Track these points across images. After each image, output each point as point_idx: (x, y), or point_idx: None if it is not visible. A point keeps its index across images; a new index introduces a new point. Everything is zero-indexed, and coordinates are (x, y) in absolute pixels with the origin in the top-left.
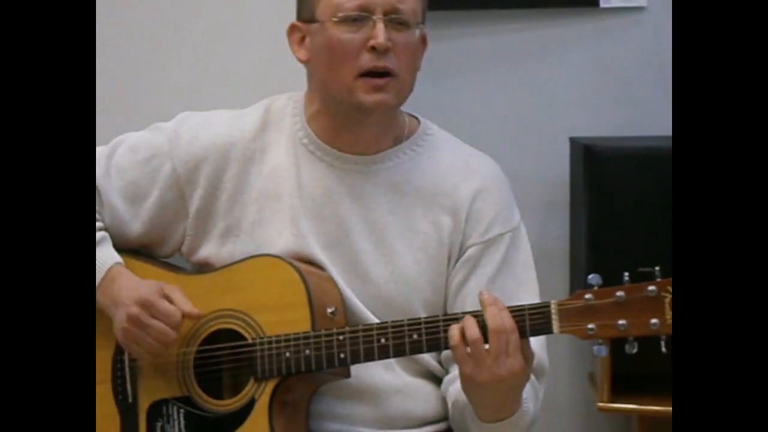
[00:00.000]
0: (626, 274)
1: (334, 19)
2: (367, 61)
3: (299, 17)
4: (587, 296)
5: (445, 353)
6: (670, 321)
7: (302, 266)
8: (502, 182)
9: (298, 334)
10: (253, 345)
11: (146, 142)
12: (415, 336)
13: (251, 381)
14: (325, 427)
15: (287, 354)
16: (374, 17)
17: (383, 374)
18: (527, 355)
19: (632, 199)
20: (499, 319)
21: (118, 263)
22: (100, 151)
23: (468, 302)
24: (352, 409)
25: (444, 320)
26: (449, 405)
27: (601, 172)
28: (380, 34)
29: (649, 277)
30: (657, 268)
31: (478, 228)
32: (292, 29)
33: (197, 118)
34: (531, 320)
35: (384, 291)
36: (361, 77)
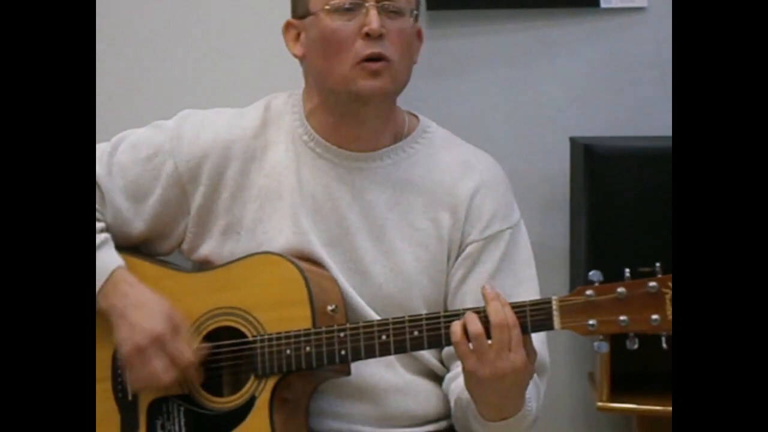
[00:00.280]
0: (627, 270)
1: (327, 8)
2: (362, 48)
3: (294, 15)
4: (588, 292)
5: (447, 351)
6: (671, 317)
7: (302, 264)
8: (501, 179)
9: (298, 331)
10: (254, 342)
11: (148, 140)
12: (416, 332)
13: (252, 378)
14: (326, 425)
15: (288, 351)
16: (367, 4)
17: (384, 373)
18: (529, 351)
19: (632, 199)
20: (501, 314)
21: (120, 267)
22: (102, 148)
23: (468, 299)
24: (352, 408)
25: (445, 316)
26: (452, 403)
27: (601, 171)
28: (374, 20)
29: (650, 275)
30: (657, 264)
31: (477, 225)
32: (288, 27)
33: (198, 116)
34: (532, 316)
35: (384, 288)
36: (357, 65)
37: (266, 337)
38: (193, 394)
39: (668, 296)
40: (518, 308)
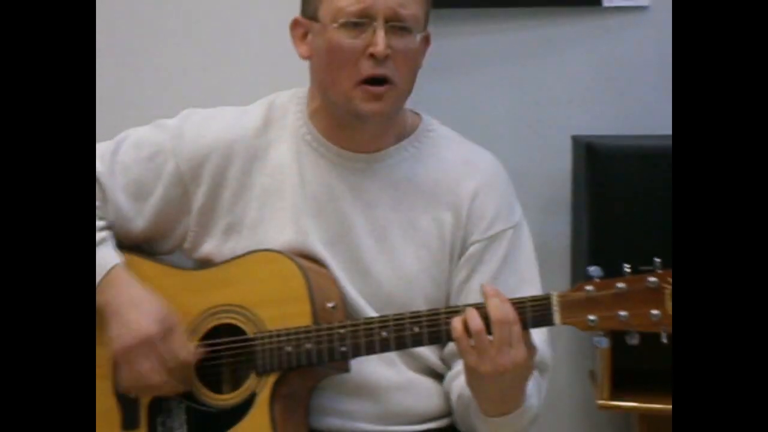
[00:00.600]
0: (627, 265)
1: (335, 25)
2: (366, 68)
3: (303, 12)
4: (588, 288)
5: (448, 349)
6: (671, 312)
7: (302, 261)
8: (503, 178)
9: (299, 328)
10: (254, 339)
11: (150, 139)
12: (416, 329)
13: (252, 375)
14: (326, 422)
15: (288, 348)
16: (375, 23)
17: (384, 370)
18: (529, 346)
19: (633, 197)
20: (501, 310)
21: (117, 264)
22: (105, 147)
23: (471, 299)
24: (353, 405)
25: (445, 313)
26: (453, 400)
27: (602, 170)
28: (380, 41)
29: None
30: (658, 260)
31: (480, 225)
32: (295, 24)
33: (200, 115)
34: (532, 312)
35: (385, 287)
36: (360, 85)
37: (266, 334)
38: (193, 391)
39: (668, 291)
40: (518, 304)
